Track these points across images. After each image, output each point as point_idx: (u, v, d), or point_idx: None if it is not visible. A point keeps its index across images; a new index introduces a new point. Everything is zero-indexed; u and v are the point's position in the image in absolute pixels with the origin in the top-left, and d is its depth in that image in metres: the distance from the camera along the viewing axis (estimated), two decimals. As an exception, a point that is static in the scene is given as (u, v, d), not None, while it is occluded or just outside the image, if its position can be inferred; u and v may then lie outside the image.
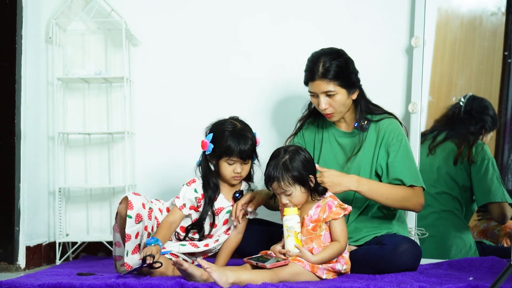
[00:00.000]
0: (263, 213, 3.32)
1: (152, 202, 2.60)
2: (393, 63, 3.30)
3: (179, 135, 3.42)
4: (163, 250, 2.48)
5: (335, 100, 2.66)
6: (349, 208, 2.44)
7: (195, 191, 2.59)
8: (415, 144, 3.16)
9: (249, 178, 2.67)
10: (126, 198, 2.49)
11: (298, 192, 2.41)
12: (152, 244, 2.40)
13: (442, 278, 2.41)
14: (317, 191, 2.45)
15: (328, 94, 2.65)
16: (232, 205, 2.61)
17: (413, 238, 3.08)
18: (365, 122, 2.73)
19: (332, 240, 2.43)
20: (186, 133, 3.41)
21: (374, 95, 3.29)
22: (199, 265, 2.27)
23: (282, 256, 2.40)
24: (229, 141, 2.53)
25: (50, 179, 3.36)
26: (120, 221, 2.52)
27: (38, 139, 3.27)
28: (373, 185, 2.62)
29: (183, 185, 2.61)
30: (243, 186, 2.67)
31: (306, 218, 2.44)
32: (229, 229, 2.65)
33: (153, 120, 3.41)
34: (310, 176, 2.42)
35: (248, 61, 3.37)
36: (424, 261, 2.89)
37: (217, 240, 2.64)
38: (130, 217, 2.47)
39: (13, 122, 3.03)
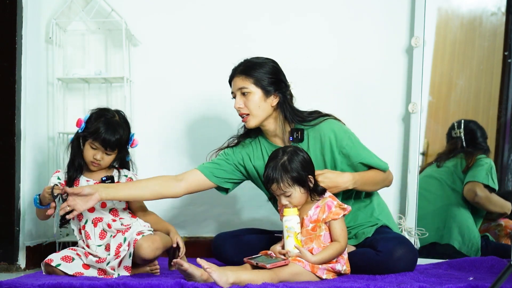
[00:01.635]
0: (263, 219, 3.33)
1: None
2: (393, 63, 3.30)
3: (179, 135, 3.42)
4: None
5: (249, 100, 2.64)
6: (349, 208, 2.44)
7: (58, 178, 2.69)
8: (415, 144, 3.17)
9: (122, 166, 2.76)
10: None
11: (297, 193, 2.40)
12: (37, 196, 2.59)
13: (442, 278, 2.41)
14: (316, 191, 2.45)
15: (243, 92, 2.64)
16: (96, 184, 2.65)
17: (413, 238, 3.08)
18: (299, 132, 2.68)
19: (332, 240, 2.43)
20: (186, 133, 3.41)
21: (374, 95, 3.30)
22: (199, 265, 2.27)
23: (282, 257, 2.40)
24: (99, 126, 2.62)
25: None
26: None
27: (38, 139, 3.27)
28: (364, 177, 2.64)
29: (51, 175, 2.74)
30: (114, 172, 2.73)
31: (305, 218, 2.44)
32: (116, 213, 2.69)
33: (153, 120, 3.41)
34: (309, 176, 2.42)
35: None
36: (424, 261, 2.90)
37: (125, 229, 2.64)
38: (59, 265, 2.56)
39: (13, 122, 3.03)
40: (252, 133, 2.78)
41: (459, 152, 3.27)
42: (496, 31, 3.30)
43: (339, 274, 2.44)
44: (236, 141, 2.82)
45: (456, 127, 3.26)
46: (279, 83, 2.67)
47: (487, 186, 3.16)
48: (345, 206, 2.44)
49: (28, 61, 3.11)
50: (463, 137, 3.25)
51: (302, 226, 2.43)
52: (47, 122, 3.36)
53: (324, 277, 2.38)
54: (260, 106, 2.65)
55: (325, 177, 2.53)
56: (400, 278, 2.38)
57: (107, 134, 2.61)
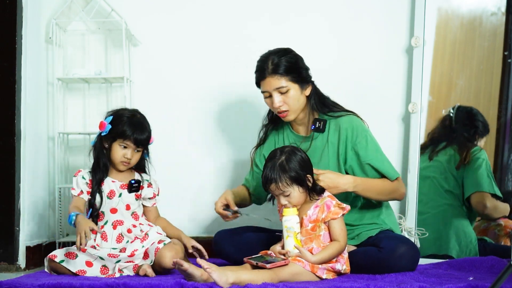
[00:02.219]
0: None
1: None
2: (393, 63, 3.29)
3: (179, 135, 3.42)
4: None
5: (288, 97, 2.65)
6: (348, 207, 2.44)
7: (83, 177, 2.67)
8: (415, 144, 3.16)
9: (141, 168, 2.77)
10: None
11: (296, 193, 2.41)
12: (73, 218, 2.53)
13: (442, 278, 2.41)
14: (315, 190, 2.45)
15: (281, 91, 2.64)
16: (123, 186, 2.67)
17: (413, 238, 3.08)
18: (321, 122, 2.70)
19: (331, 240, 2.43)
20: (186, 133, 3.41)
21: (374, 95, 3.30)
22: (199, 265, 2.27)
23: (282, 257, 2.40)
24: (127, 125, 2.64)
25: (50, 179, 3.36)
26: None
27: (38, 139, 3.27)
28: (367, 183, 2.63)
29: (73, 176, 2.70)
30: (137, 176, 2.74)
31: (305, 218, 2.44)
32: (136, 217, 2.69)
33: (153, 120, 3.40)
34: (308, 175, 2.42)
35: (249, 60, 3.36)
36: (424, 261, 2.89)
37: (143, 238, 2.65)
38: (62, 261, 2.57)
39: (13, 122, 3.03)
40: (279, 122, 2.81)
41: (452, 143, 3.24)
42: (496, 31, 3.30)
43: (339, 273, 2.44)
44: (262, 137, 2.87)
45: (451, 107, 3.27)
46: (307, 71, 2.72)
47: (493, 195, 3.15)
48: (344, 205, 2.44)
49: (28, 61, 3.11)
50: (452, 115, 3.24)
51: (301, 226, 2.43)
52: (47, 122, 3.36)
53: (324, 277, 2.38)
54: (299, 100, 2.68)
55: (326, 177, 2.53)
56: (400, 278, 2.38)
57: (137, 132, 2.64)
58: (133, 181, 2.69)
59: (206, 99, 3.39)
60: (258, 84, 2.72)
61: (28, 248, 3.09)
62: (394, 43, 3.29)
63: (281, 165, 2.40)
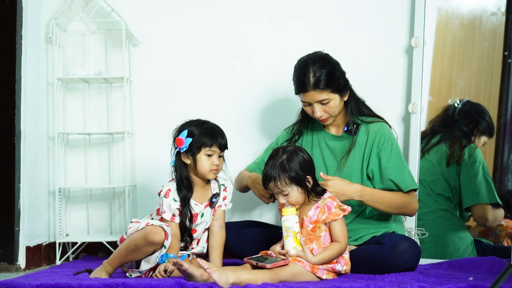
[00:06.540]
0: (262, 215, 3.33)
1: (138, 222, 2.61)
2: (393, 63, 3.29)
3: (179, 135, 3.42)
4: (180, 256, 2.51)
5: (329, 106, 2.69)
6: (349, 208, 2.44)
7: (174, 200, 2.59)
8: (415, 144, 3.16)
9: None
10: (161, 228, 2.47)
11: (295, 192, 2.41)
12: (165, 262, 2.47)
13: (442, 278, 2.41)
14: (315, 191, 2.45)
15: (322, 103, 2.68)
16: (206, 206, 2.61)
17: (413, 238, 3.08)
18: (354, 126, 2.75)
19: (332, 241, 2.43)
20: (186, 133, 3.41)
21: (374, 95, 3.29)
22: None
23: (282, 257, 2.40)
24: (207, 132, 2.58)
25: (50, 179, 3.36)
26: (143, 243, 2.48)
27: (38, 139, 3.27)
28: (375, 194, 2.63)
29: (162, 197, 2.59)
30: (215, 189, 2.66)
31: (305, 219, 2.44)
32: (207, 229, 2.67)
33: (153, 120, 3.41)
34: (308, 176, 2.42)
35: (248, 61, 3.37)
36: (424, 261, 2.89)
37: (198, 243, 2.66)
38: (165, 247, 2.50)
39: (13, 122, 3.03)
40: (311, 118, 2.83)
41: (447, 137, 3.23)
42: (496, 31, 3.30)
43: (339, 274, 2.44)
44: (297, 131, 2.89)
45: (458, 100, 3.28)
46: (345, 78, 2.74)
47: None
48: (345, 206, 2.44)
49: (28, 61, 3.12)
50: (457, 105, 3.24)
51: (302, 226, 2.43)
52: (47, 122, 3.36)
53: (324, 277, 2.38)
54: (339, 106, 2.72)
55: (335, 183, 2.54)
56: (400, 278, 2.38)
57: (219, 136, 2.59)
58: (214, 200, 2.62)
59: (206, 99, 3.39)
60: (297, 94, 2.74)
61: (28, 248, 3.09)
62: (394, 43, 3.29)
63: (282, 164, 2.40)
